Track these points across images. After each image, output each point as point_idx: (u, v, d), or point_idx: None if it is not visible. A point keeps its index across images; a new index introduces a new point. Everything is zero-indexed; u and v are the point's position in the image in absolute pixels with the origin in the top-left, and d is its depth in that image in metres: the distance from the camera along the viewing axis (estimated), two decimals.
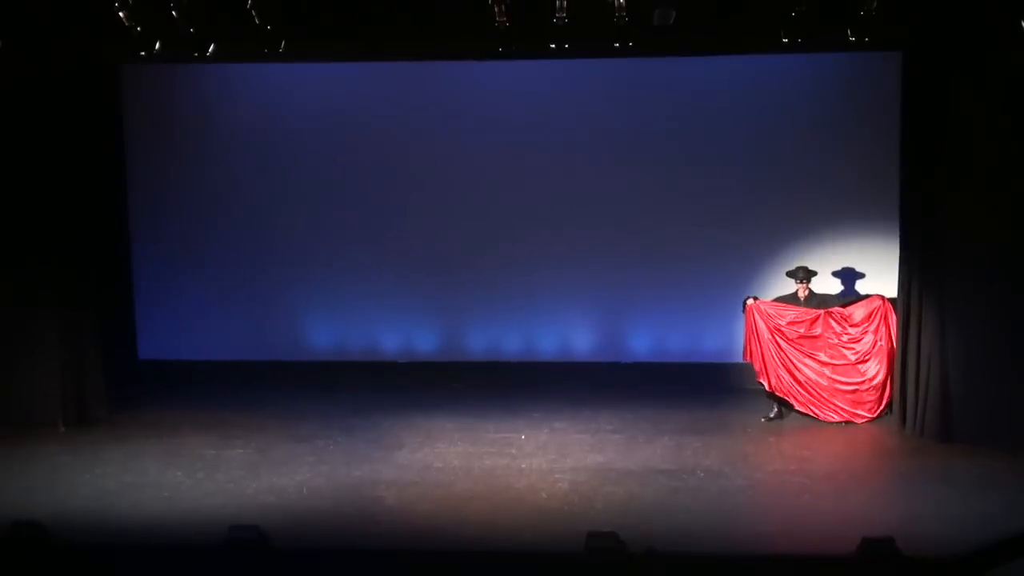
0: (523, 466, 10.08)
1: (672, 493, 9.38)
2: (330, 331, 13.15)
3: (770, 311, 11.39)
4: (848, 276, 12.45)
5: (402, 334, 13.14)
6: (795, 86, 12.42)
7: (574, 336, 12.99)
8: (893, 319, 11.18)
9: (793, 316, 11.33)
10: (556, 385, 12.51)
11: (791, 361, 11.33)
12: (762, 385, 11.53)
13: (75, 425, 11.36)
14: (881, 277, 11.96)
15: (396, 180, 12.94)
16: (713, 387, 12.65)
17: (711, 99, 12.53)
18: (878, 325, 11.25)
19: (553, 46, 10.68)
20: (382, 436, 11.04)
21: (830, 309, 11.32)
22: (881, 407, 11.37)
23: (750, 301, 11.45)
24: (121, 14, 9.57)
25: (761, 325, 11.37)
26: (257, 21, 9.87)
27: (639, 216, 12.77)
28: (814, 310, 11.33)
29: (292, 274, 13.10)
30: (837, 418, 11.32)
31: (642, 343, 12.95)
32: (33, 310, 11.18)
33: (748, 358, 11.55)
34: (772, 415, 11.56)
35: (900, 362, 11.06)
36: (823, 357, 11.30)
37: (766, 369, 11.42)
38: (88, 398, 11.58)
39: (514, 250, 12.91)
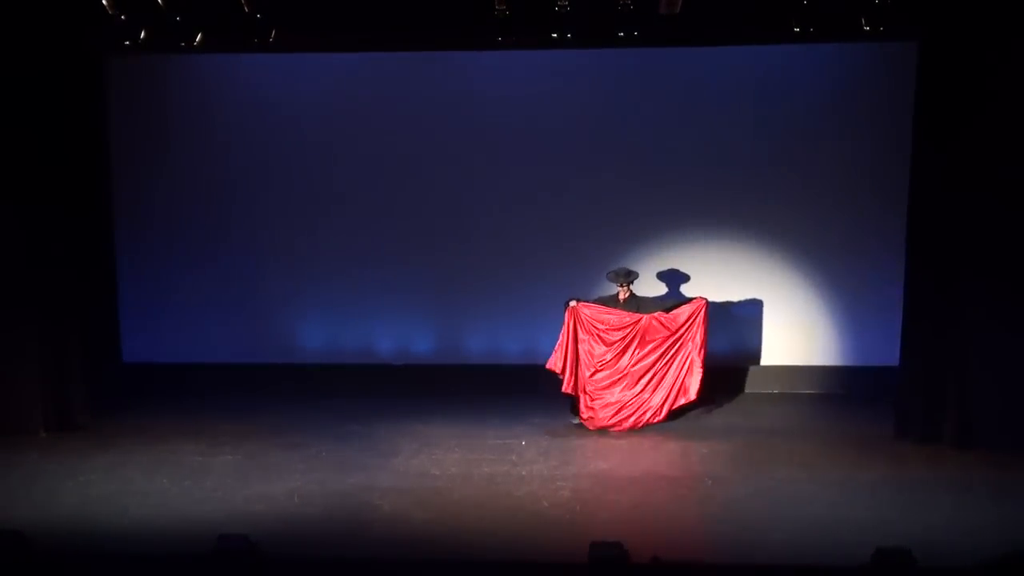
0: (524, 473, 9.95)
1: (678, 501, 9.26)
2: (323, 333, 13.01)
3: (590, 315, 11.26)
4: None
5: (398, 336, 13.00)
6: (804, 79, 12.32)
7: None
8: (704, 323, 11.16)
9: (615, 321, 11.24)
10: (557, 389, 12.22)
11: (608, 366, 11.21)
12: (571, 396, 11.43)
13: (57, 431, 11.20)
14: (892, 278, 11.72)
15: (392, 176, 12.81)
16: (720, 392, 12.50)
17: (719, 91, 12.40)
18: (693, 329, 11.16)
19: (555, 36, 10.61)
20: (377, 442, 10.91)
21: (654, 313, 11.25)
22: (662, 414, 11.27)
23: (572, 303, 11.30)
24: (104, 1, 9.35)
25: (579, 328, 11.22)
26: (246, 9, 9.75)
27: (642, 214, 12.65)
28: (637, 314, 11.24)
29: (283, 274, 12.97)
30: (628, 427, 11.19)
31: None
32: (12, 311, 10.99)
33: (552, 364, 11.34)
34: (578, 420, 11.46)
35: (911, 366, 10.86)
36: (643, 363, 11.20)
37: (574, 371, 11.26)
38: (71, 402, 11.41)
39: (514, 249, 12.80)
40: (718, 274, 12.58)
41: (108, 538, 8.37)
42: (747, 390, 12.69)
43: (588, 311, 11.26)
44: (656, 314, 11.23)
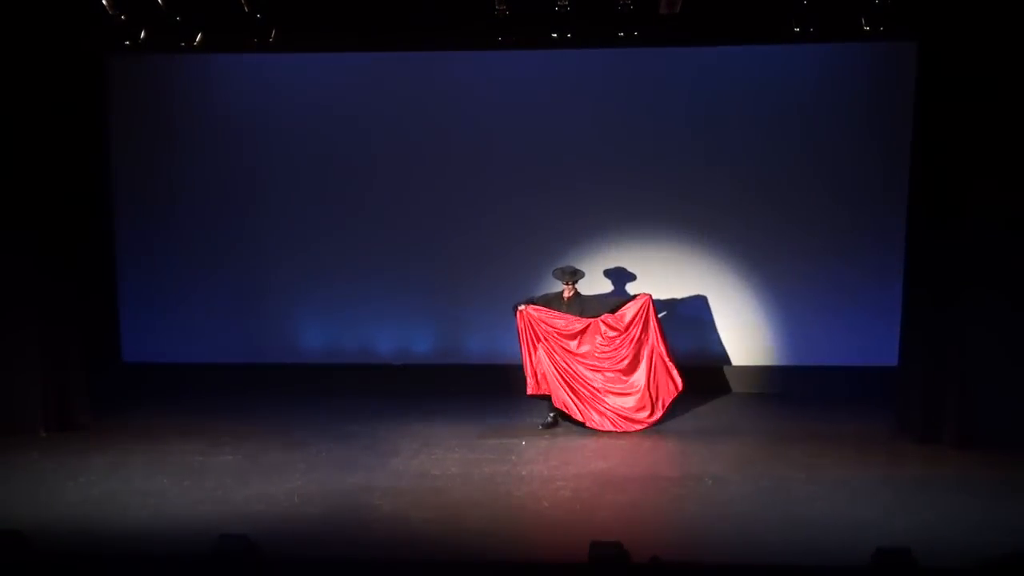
0: (524, 473, 9.90)
1: (678, 500, 9.20)
2: (323, 333, 12.98)
3: (541, 318, 11.22)
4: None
5: (398, 336, 12.96)
6: (804, 79, 12.30)
7: None
8: (654, 318, 11.15)
9: (563, 325, 11.21)
10: None
11: (565, 368, 11.18)
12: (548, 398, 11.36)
13: (57, 431, 11.15)
14: (891, 277, 11.74)
15: (392, 175, 12.77)
16: (720, 391, 12.63)
17: (720, 91, 12.37)
18: (643, 325, 11.15)
19: (555, 35, 10.56)
20: (377, 442, 10.86)
21: (601, 316, 11.20)
22: (655, 411, 11.21)
23: (521, 307, 11.28)
24: (104, 1, 9.33)
25: (532, 331, 11.20)
26: (246, 9, 9.71)
27: (642, 214, 12.62)
28: (586, 319, 11.20)
29: (283, 274, 12.93)
30: (611, 427, 11.15)
31: None
32: (12, 311, 10.95)
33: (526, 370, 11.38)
34: (548, 420, 11.40)
35: (910, 365, 10.85)
36: (598, 366, 11.18)
37: (534, 374, 11.25)
38: (71, 403, 11.35)
39: (515, 248, 12.75)
40: (718, 274, 12.56)
41: (108, 538, 8.31)
42: (746, 390, 12.67)
43: (537, 313, 11.20)
44: (603, 317, 11.18)
